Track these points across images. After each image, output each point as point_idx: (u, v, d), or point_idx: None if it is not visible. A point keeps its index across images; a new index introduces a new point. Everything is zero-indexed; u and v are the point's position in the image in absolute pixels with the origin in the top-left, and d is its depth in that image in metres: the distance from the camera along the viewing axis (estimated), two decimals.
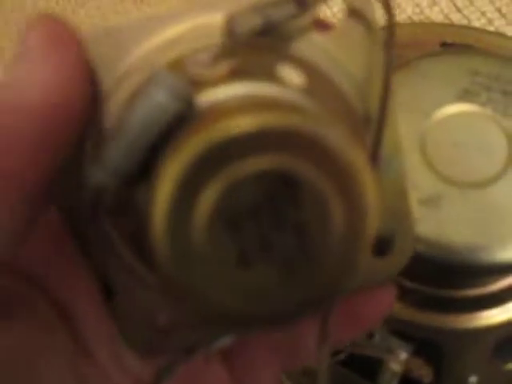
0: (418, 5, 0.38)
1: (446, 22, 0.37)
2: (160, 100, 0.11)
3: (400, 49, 0.32)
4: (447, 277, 0.21)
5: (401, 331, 0.24)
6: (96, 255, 0.14)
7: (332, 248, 0.12)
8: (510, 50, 0.33)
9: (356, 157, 0.12)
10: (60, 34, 0.11)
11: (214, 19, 0.13)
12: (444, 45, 0.32)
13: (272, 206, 0.12)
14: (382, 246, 0.15)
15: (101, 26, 0.13)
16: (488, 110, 0.20)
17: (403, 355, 0.23)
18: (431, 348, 0.23)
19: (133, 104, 0.12)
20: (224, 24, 0.13)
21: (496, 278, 0.21)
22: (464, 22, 0.37)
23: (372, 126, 0.14)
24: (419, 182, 0.19)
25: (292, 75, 0.13)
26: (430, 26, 0.36)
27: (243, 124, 0.11)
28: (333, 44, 0.14)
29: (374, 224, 0.12)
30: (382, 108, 0.14)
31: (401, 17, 0.38)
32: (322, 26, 0.14)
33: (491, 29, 0.36)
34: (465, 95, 0.21)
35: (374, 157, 0.14)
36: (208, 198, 0.12)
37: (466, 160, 0.20)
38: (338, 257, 0.12)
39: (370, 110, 0.14)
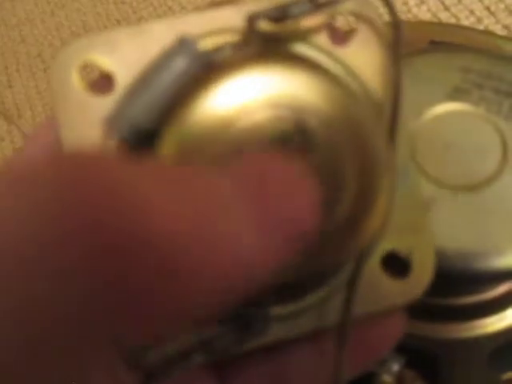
0: (405, 3, 0.37)
1: (434, 20, 0.36)
2: (182, 63, 0.12)
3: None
4: (440, 284, 0.20)
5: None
6: None
7: (342, 201, 0.12)
8: (500, 48, 0.32)
9: (374, 131, 0.13)
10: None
11: (231, 22, 0.14)
12: (433, 43, 0.31)
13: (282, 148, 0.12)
14: (402, 267, 0.14)
15: (122, 30, 0.14)
16: (481, 109, 0.20)
17: (396, 367, 0.22)
18: (425, 359, 0.22)
19: (156, 65, 0.13)
20: (245, 19, 0.13)
21: (492, 285, 0.20)
22: (452, 20, 0.36)
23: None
24: None
25: None
26: (417, 24, 0.35)
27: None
28: (350, 57, 0.14)
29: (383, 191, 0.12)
30: (394, 115, 0.14)
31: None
32: (339, 38, 0.14)
33: (480, 27, 0.35)
34: (456, 94, 0.20)
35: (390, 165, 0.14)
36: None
37: (459, 162, 0.19)
38: (347, 214, 0.12)
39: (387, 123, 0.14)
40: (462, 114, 0.19)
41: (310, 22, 0.14)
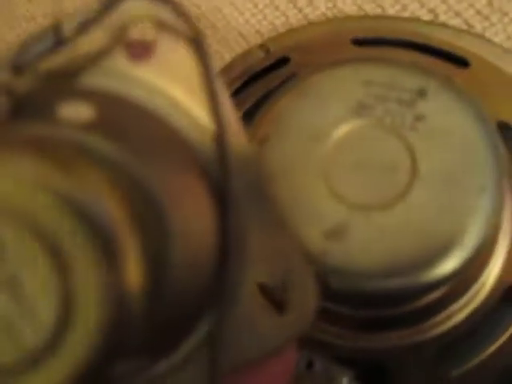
0: None
1: (361, 13, 0.36)
2: None
3: (311, 54, 0.31)
4: (375, 301, 0.20)
5: (343, 357, 0.23)
6: None
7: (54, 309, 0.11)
8: (425, 35, 0.32)
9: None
10: None
11: None
12: (355, 42, 0.31)
13: None
14: (281, 302, 0.14)
15: None
16: (386, 122, 0.19)
17: (345, 382, 0.22)
18: (374, 370, 0.23)
19: None
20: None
21: (420, 296, 0.20)
22: (378, 10, 0.35)
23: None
24: (323, 212, 0.18)
25: (77, 112, 0.12)
26: (341, 21, 0.35)
27: None
28: (153, 71, 0.13)
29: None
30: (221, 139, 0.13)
31: (315, 14, 0.37)
32: (138, 53, 0.12)
33: (406, 14, 0.35)
34: (361, 109, 0.20)
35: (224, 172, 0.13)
36: None
37: (369, 181, 0.19)
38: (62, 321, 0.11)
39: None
40: (368, 130, 0.19)
41: (97, 43, 0.12)
